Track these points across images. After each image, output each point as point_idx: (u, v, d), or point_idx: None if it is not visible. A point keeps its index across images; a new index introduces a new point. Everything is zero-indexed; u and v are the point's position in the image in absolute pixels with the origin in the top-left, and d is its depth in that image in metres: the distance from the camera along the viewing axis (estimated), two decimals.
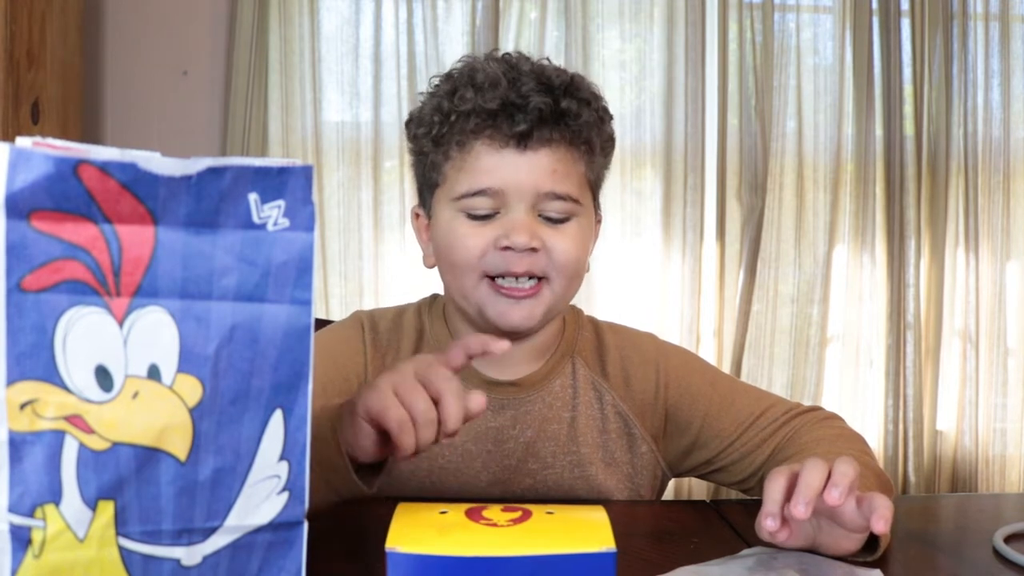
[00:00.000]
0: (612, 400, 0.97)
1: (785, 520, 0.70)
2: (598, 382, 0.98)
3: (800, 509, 0.65)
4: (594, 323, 1.03)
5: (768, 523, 0.69)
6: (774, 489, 0.69)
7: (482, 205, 0.87)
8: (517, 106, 0.86)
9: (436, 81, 0.93)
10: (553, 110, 0.86)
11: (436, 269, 0.95)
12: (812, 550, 0.73)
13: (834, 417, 0.96)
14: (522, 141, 0.86)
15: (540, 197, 0.87)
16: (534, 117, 0.85)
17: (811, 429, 0.93)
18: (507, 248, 0.85)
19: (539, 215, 0.88)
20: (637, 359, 0.99)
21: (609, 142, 0.94)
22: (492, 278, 0.87)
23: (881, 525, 0.65)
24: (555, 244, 0.87)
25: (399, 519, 0.56)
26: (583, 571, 0.52)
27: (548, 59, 0.93)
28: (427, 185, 0.93)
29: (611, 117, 0.94)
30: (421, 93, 0.94)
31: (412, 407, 0.64)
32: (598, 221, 0.98)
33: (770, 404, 0.97)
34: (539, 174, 0.87)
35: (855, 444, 0.90)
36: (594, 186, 0.94)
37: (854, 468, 0.68)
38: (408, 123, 0.95)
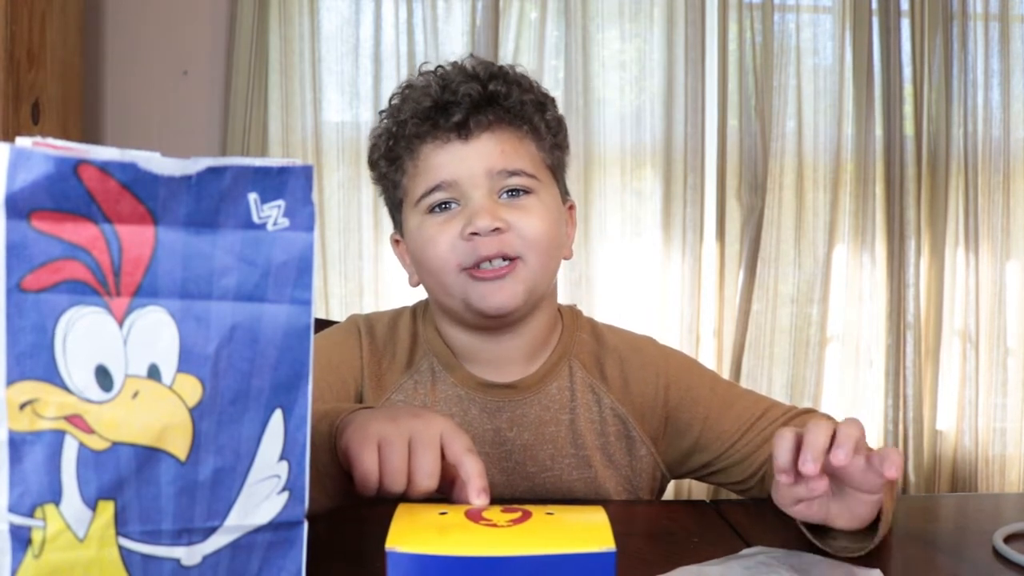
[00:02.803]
0: (611, 403, 0.98)
1: (798, 475, 0.69)
2: (596, 385, 0.98)
3: (808, 467, 0.65)
4: (592, 325, 1.03)
5: (783, 478, 0.69)
6: (782, 447, 0.69)
7: (441, 199, 0.89)
8: (449, 101, 0.89)
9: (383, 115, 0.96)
10: (483, 95, 0.89)
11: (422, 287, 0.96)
12: (829, 523, 0.72)
13: (831, 418, 0.97)
14: (463, 131, 0.89)
15: (495, 178, 0.89)
16: (467, 105, 0.89)
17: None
18: (474, 235, 0.87)
19: (499, 197, 0.89)
20: (637, 362, 0.99)
21: (557, 125, 0.96)
22: (468, 269, 0.89)
23: (893, 471, 0.65)
24: (520, 222, 0.88)
25: (399, 519, 0.56)
26: (583, 571, 0.52)
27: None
28: (395, 207, 0.96)
29: (553, 102, 0.97)
30: (375, 128, 0.98)
31: (386, 461, 0.65)
32: (571, 208, 0.99)
33: (768, 406, 0.98)
34: (488, 157, 0.89)
35: None
36: (554, 170, 0.96)
37: (858, 428, 0.68)
38: (368, 161, 0.98)
